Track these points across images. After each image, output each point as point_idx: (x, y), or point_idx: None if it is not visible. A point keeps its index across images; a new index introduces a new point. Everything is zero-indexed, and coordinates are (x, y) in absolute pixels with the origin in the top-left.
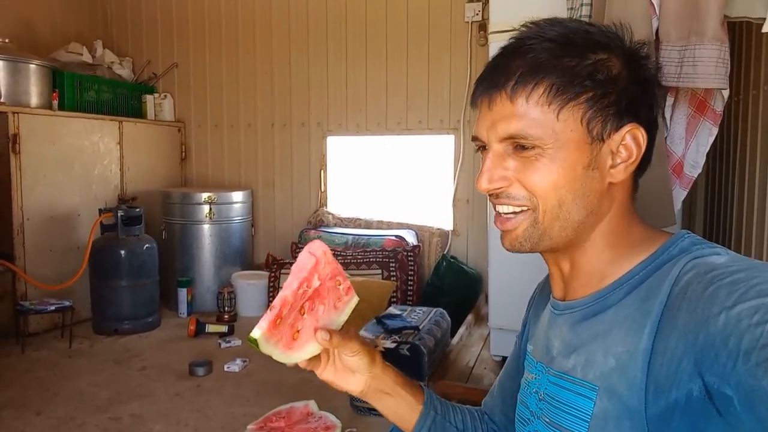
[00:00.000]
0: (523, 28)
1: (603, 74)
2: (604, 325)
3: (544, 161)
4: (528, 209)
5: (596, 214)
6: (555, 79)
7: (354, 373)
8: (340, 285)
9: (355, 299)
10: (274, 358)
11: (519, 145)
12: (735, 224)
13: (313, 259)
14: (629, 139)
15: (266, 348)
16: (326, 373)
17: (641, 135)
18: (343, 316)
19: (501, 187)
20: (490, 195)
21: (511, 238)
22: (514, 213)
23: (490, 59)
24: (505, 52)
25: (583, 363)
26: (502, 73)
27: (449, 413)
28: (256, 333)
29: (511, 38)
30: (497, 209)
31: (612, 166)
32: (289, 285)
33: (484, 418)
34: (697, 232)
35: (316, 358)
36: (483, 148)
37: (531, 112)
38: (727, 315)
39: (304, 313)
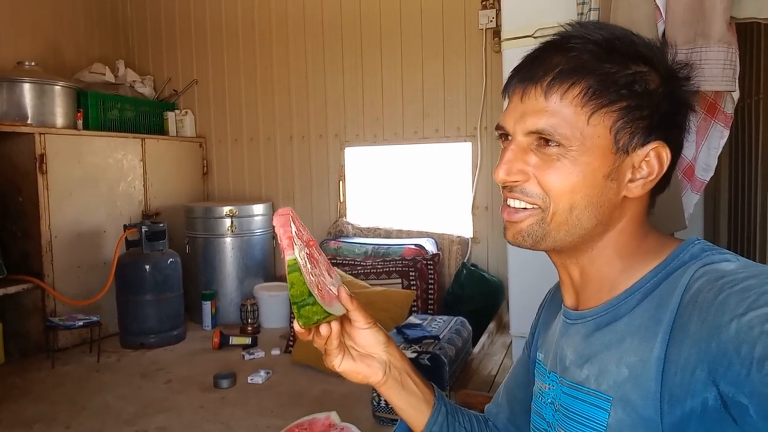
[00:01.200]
0: (569, 27)
1: (641, 86)
2: (617, 334)
3: (565, 162)
4: (538, 208)
5: (605, 225)
6: (593, 82)
7: (373, 359)
8: (319, 255)
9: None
10: (316, 300)
11: (543, 142)
12: (759, 228)
13: (287, 217)
14: (653, 157)
15: (308, 283)
16: (345, 363)
17: (666, 154)
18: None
19: (517, 181)
20: (503, 187)
21: (514, 231)
22: (524, 208)
23: (524, 58)
24: (546, 47)
25: (597, 373)
26: (540, 67)
27: (457, 414)
28: (291, 256)
29: (554, 35)
30: (507, 201)
31: (630, 180)
32: (286, 230)
33: (488, 425)
34: (722, 238)
35: (335, 348)
36: (505, 137)
37: (563, 110)
38: (738, 323)
39: (315, 266)
